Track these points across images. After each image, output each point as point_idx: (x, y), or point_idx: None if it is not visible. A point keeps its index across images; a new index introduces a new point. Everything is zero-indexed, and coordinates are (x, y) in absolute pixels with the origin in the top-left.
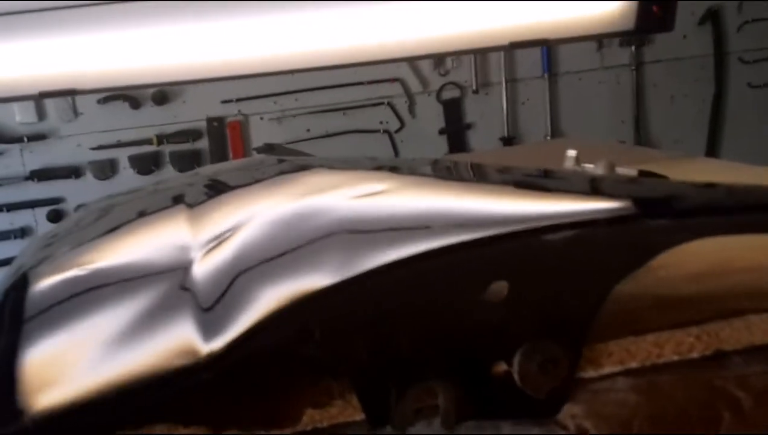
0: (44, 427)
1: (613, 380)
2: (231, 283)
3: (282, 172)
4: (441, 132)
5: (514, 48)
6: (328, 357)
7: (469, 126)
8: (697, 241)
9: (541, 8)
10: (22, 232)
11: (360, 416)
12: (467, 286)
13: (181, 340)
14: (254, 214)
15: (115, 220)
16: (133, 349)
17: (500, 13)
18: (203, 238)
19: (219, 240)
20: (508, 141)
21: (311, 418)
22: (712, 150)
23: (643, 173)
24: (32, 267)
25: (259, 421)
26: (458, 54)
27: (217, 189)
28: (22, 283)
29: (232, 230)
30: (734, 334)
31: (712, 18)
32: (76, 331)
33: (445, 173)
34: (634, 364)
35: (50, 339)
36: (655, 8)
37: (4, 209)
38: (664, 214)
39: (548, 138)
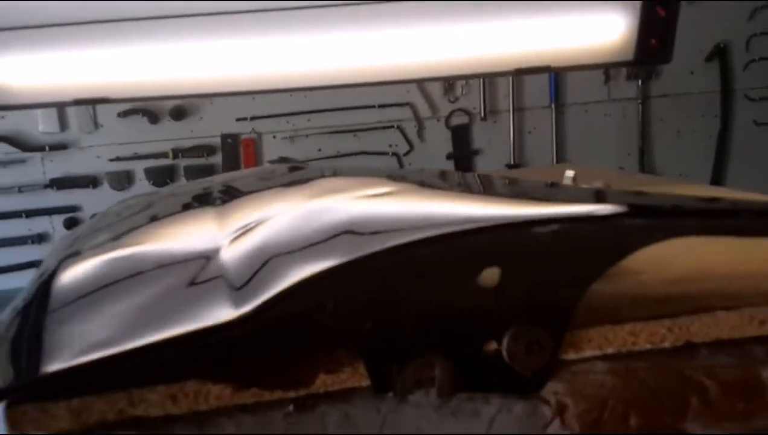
0: (90, 375)
1: (592, 363)
2: (262, 266)
3: (295, 180)
4: (449, 157)
5: (519, 74)
6: (340, 328)
7: (476, 152)
8: (675, 248)
9: (545, 36)
10: (40, 238)
11: (366, 383)
12: (463, 271)
13: (214, 310)
14: (277, 211)
15: (145, 217)
16: (169, 319)
17: (507, 40)
18: (229, 230)
19: (245, 229)
20: (514, 167)
21: (323, 382)
22: (717, 185)
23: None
24: (76, 250)
25: (278, 382)
26: (465, 78)
27: (237, 192)
28: (71, 259)
29: (257, 222)
30: (703, 328)
31: (720, 55)
32: (118, 301)
33: (447, 182)
34: (611, 350)
35: (94, 307)
36: (653, 41)
37: (23, 215)
38: (640, 214)
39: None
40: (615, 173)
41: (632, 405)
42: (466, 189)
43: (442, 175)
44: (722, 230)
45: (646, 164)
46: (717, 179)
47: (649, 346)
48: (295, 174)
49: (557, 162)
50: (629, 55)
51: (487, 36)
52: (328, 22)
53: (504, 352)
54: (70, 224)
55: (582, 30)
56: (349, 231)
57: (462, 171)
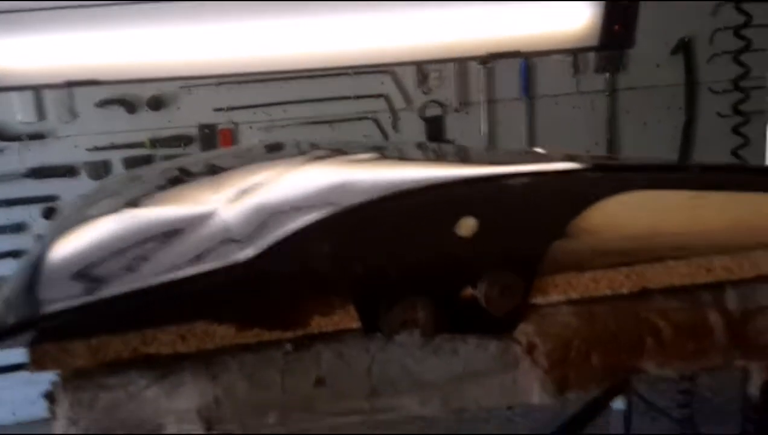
0: (107, 314)
1: (558, 307)
2: (262, 222)
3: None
4: None
5: (490, 59)
6: (332, 273)
7: (450, 142)
8: (632, 207)
9: (516, 22)
10: (18, 228)
11: (357, 324)
12: (441, 221)
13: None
14: (273, 176)
15: (137, 190)
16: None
17: (478, 25)
18: (226, 194)
19: (243, 192)
20: None
21: (317, 323)
22: None
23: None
24: (83, 212)
25: (277, 323)
26: (437, 62)
27: (221, 168)
28: (80, 217)
29: (255, 186)
30: (657, 275)
31: (685, 48)
32: (127, 251)
33: (425, 151)
34: (574, 295)
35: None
36: (617, 27)
37: (2, 205)
38: (601, 169)
39: None
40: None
41: (594, 345)
42: (443, 157)
43: (419, 145)
44: (673, 184)
45: (612, 153)
46: None
47: (609, 292)
48: (276, 150)
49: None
50: (595, 41)
51: (459, 21)
52: (301, 7)
53: (480, 297)
54: (48, 214)
55: (550, 16)
56: (341, 188)
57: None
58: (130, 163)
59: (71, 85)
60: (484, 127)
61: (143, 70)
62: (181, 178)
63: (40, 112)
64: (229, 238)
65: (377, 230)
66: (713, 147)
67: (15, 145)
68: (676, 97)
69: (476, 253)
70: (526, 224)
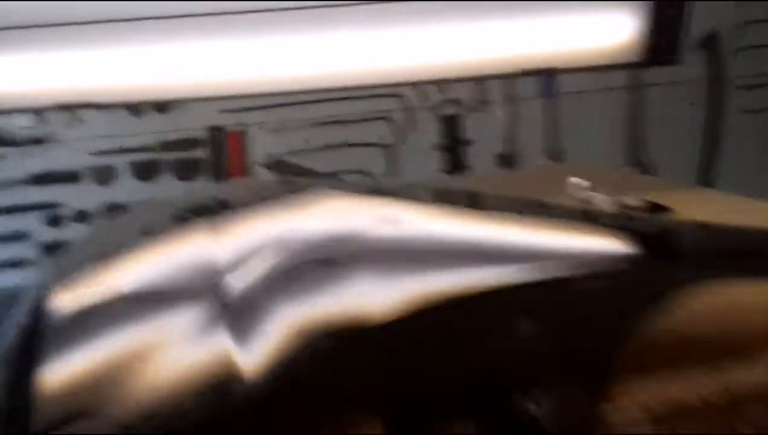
0: None
1: (633, 422)
2: (263, 302)
3: (292, 193)
4: (439, 148)
5: (525, 75)
6: (358, 390)
7: (467, 142)
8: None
9: (551, 37)
10: (20, 236)
11: None
12: (495, 326)
13: (219, 349)
14: (278, 234)
15: (138, 236)
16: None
17: (512, 41)
18: (230, 256)
19: (247, 259)
20: (505, 159)
21: None
22: (706, 173)
23: (650, 205)
24: (61, 284)
25: None
26: (467, 80)
27: (232, 206)
28: (50, 303)
29: (260, 250)
30: (747, 376)
31: (710, 43)
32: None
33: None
34: (652, 405)
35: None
36: (662, 42)
37: (3, 212)
38: (675, 257)
39: (546, 157)
40: (618, 174)
41: None
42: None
43: (440, 192)
44: (759, 272)
45: (637, 153)
46: (706, 167)
47: (698, 404)
48: (289, 190)
49: (549, 152)
50: (637, 56)
51: (492, 37)
52: (324, 23)
53: (537, 412)
54: (52, 221)
55: (589, 31)
56: (365, 270)
57: (453, 166)
58: (136, 168)
59: (61, 108)
60: (503, 127)
61: (141, 89)
62: (184, 217)
63: (41, 117)
64: (230, 331)
65: (417, 341)
66: (738, 143)
67: (15, 150)
68: (701, 93)
69: (533, 360)
70: (592, 326)
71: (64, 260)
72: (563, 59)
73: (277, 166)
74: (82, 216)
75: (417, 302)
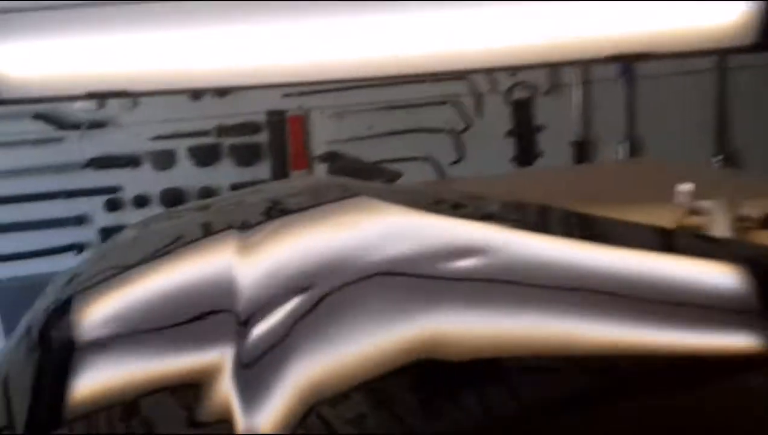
0: None
1: None
2: (279, 353)
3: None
4: (509, 134)
5: (610, 62)
6: None
7: (539, 128)
8: None
9: (646, 17)
10: (79, 221)
11: None
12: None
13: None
14: (311, 257)
15: (164, 244)
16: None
17: (599, 22)
18: (253, 287)
19: (271, 294)
20: (579, 145)
21: None
22: None
23: None
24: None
25: None
26: (545, 66)
27: (273, 214)
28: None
29: (287, 281)
30: None
31: None
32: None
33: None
34: None
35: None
36: None
37: (63, 196)
38: None
39: (623, 144)
40: (715, 173)
41: None
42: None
43: (523, 209)
44: None
45: (723, 142)
46: None
47: None
48: (345, 199)
49: (627, 139)
50: (748, 39)
51: (575, 17)
52: (390, 6)
53: None
54: (112, 206)
55: (692, 10)
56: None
57: (524, 153)
58: (195, 153)
59: (92, 97)
60: (577, 112)
61: (182, 77)
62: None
63: (100, 100)
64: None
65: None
66: None
67: (75, 133)
68: None
69: None
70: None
71: (87, 267)
72: (659, 43)
73: (332, 158)
74: (141, 201)
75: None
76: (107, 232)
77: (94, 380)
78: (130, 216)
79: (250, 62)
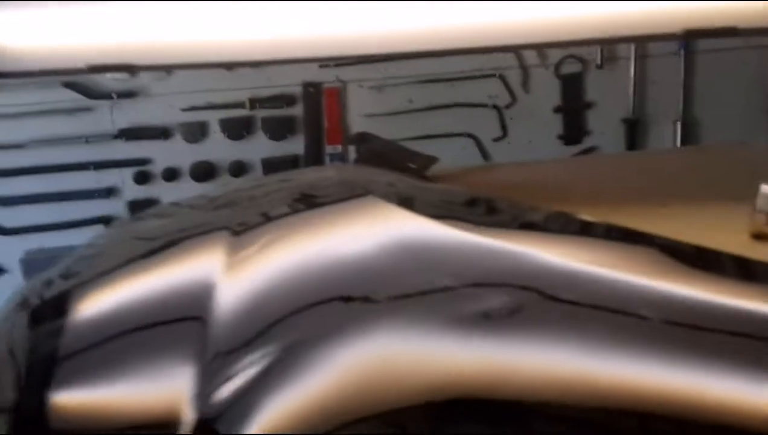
0: None
1: None
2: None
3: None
4: (557, 110)
5: (689, 38)
6: None
7: (589, 105)
8: None
9: None
10: (108, 192)
11: None
12: None
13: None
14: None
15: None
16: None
17: None
18: (232, 305)
19: (248, 353)
20: (632, 124)
21: None
22: None
23: None
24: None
25: None
26: (612, 42)
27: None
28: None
29: (269, 300)
30: None
31: None
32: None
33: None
34: None
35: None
36: None
37: (92, 167)
38: None
39: (678, 123)
40: None
41: None
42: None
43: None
44: None
45: None
46: None
47: None
48: (346, 195)
49: (683, 118)
50: None
51: None
52: None
53: None
54: (141, 178)
55: None
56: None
57: (573, 130)
58: (228, 125)
59: (94, 70)
60: (631, 88)
61: (193, 50)
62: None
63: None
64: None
65: None
66: None
67: (105, 103)
68: None
69: None
70: None
71: (79, 259)
72: (745, 17)
73: (362, 140)
74: (171, 173)
75: None
76: (136, 205)
77: (71, 398)
78: (160, 189)
79: (270, 34)
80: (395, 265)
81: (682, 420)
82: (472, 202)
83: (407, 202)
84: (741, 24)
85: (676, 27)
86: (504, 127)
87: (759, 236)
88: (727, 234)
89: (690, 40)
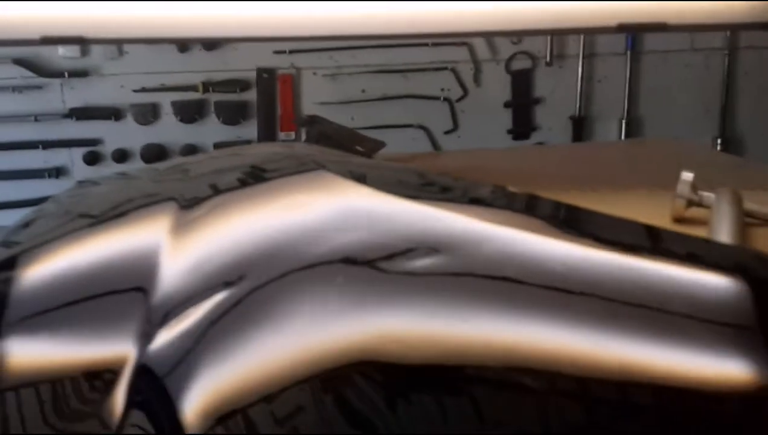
0: None
1: None
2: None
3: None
4: (506, 105)
5: (622, 31)
6: None
7: (537, 101)
8: None
9: None
10: (57, 172)
11: None
12: None
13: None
14: (255, 265)
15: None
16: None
17: None
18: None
19: (192, 303)
20: (578, 121)
21: None
22: None
23: None
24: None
25: None
26: (545, 33)
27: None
28: None
29: (211, 275)
30: None
31: None
32: None
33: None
34: None
35: None
36: None
37: (40, 146)
38: None
39: (623, 121)
40: (719, 158)
41: None
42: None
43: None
44: None
45: (726, 124)
46: None
47: None
48: (294, 169)
49: (628, 116)
50: (765, 15)
51: None
52: None
53: None
54: (91, 159)
55: None
56: None
57: (521, 125)
58: (180, 108)
59: (47, 42)
60: (579, 85)
61: (147, 25)
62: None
63: (85, 47)
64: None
65: None
66: None
67: (56, 81)
68: None
69: None
70: None
71: (30, 224)
72: (677, 13)
73: (312, 122)
74: (121, 155)
75: None
76: None
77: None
78: (110, 170)
79: (224, 12)
80: (328, 224)
81: (584, 379)
82: (428, 184)
83: (360, 178)
84: (671, 21)
85: (611, 21)
86: (455, 120)
87: (679, 220)
88: (650, 218)
89: (621, 33)
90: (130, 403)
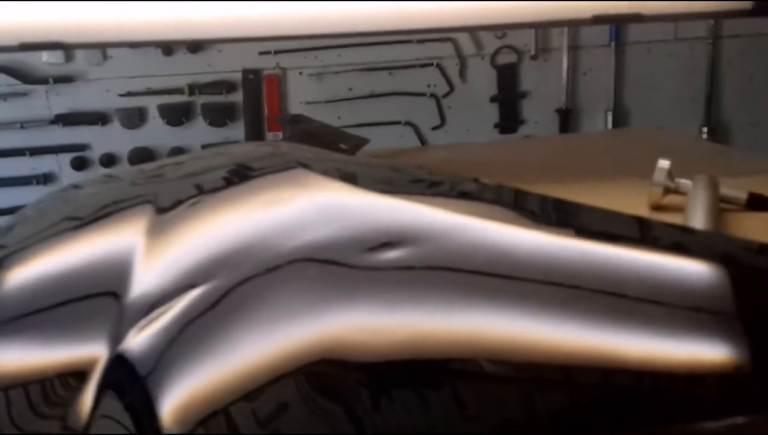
0: None
1: None
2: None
3: (279, 181)
4: (493, 99)
5: (597, 23)
6: None
7: (523, 94)
8: None
9: None
10: (45, 178)
11: None
12: None
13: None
14: (228, 264)
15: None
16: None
17: None
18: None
19: (166, 303)
20: (564, 113)
21: None
22: None
23: (754, 198)
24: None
25: None
26: (524, 27)
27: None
28: None
29: (185, 277)
30: None
31: None
32: None
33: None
34: None
35: None
36: None
37: (27, 153)
38: None
39: (609, 113)
40: (702, 146)
41: None
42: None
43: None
44: None
45: (712, 113)
46: None
47: None
48: (274, 167)
49: (614, 108)
50: (747, 3)
51: None
52: None
53: None
54: (78, 164)
55: None
56: None
57: (507, 119)
58: (166, 111)
59: (25, 48)
60: (564, 78)
61: (125, 29)
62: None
63: (68, 53)
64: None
65: None
66: None
67: (41, 88)
68: None
69: None
70: None
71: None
72: (650, 4)
73: (295, 121)
74: (109, 159)
75: None
76: None
77: None
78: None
79: (205, 14)
80: (301, 220)
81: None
82: (416, 180)
83: (349, 178)
84: (645, 11)
85: (586, 13)
86: (442, 116)
87: (657, 207)
88: (629, 206)
89: (597, 25)
90: (99, 399)
